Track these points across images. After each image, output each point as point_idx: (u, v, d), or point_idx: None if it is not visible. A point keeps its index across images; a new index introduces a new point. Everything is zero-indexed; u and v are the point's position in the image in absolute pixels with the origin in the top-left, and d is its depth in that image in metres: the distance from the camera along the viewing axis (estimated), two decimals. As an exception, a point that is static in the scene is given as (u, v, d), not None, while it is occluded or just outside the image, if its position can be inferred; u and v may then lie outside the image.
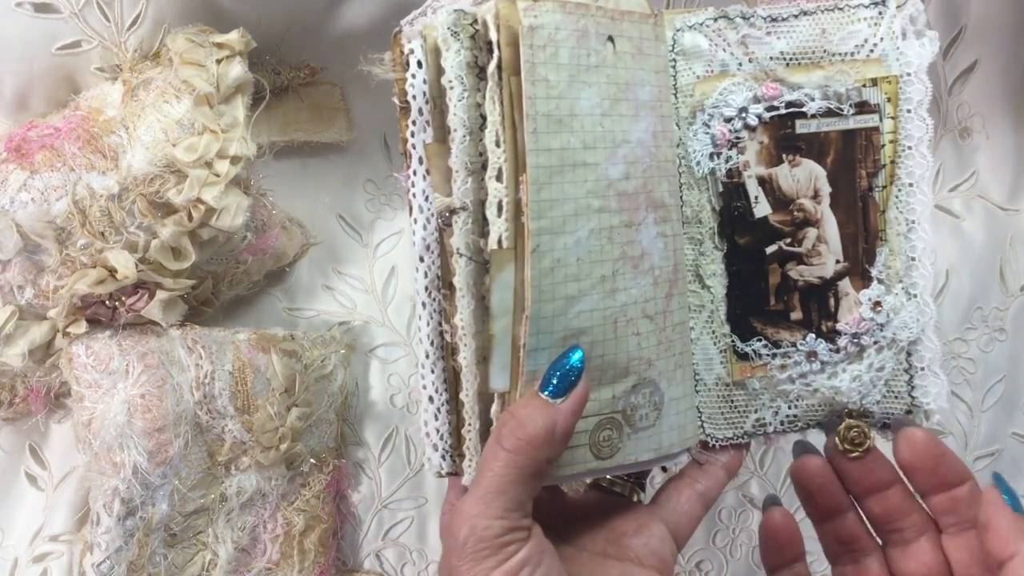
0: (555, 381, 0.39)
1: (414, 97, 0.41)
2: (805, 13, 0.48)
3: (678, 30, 0.48)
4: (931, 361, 0.47)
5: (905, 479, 0.45)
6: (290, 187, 0.67)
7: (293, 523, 0.60)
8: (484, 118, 0.40)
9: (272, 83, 0.62)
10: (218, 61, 0.54)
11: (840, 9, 0.48)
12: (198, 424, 0.55)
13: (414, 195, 0.42)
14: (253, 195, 0.56)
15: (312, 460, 0.61)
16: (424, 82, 0.41)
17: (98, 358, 0.53)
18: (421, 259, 0.42)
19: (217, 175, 0.53)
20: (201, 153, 0.52)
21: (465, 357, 0.41)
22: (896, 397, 0.48)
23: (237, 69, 0.54)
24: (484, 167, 0.40)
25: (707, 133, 0.48)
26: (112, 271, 0.52)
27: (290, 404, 0.59)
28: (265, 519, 0.59)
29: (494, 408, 0.41)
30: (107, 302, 0.54)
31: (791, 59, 0.48)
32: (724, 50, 0.48)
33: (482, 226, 0.41)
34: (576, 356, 0.40)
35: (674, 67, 0.48)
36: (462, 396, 0.42)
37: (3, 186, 0.52)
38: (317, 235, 0.68)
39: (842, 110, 0.47)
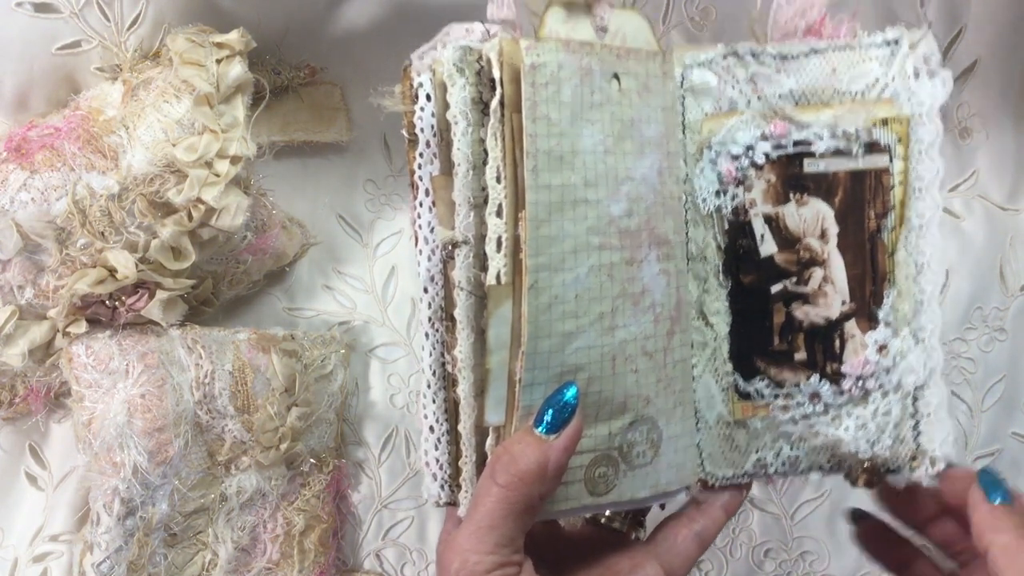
0: (549, 417, 0.40)
1: (422, 130, 0.42)
2: (816, 51, 0.47)
3: (687, 67, 0.47)
4: (938, 407, 0.46)
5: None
6: (290, 187, 0.67)
7: (293, 523, 0.60)
8: (487, 153, 0.40)
9: (272, 83, 0.62)
10: (218, 61, 0.54)
11: (851, 48, 0.47)
12: (198, 424, 0.55)
13: (420, 226, 0.42)
14: (253, 195, 0.56)
15: (312, 460, 0.61)
16: (432, 115, 0.42)
17: (98, 358, 0.53)
18: (425, 290, 0.43)
19: (217, 175, 0.53)
20: (201, 153, 0.52)
21: (463, 389, 0.41)
22: (902, 442, 0.47)
23: (237, 69, 0.54)
24: (486, 202, 0.40)
25: (714, 170, 0.47)
26: (112, 271, 0.52)
27: (290, 404, 0.59)
28: (265, 519, 0.59)
29: (489, 441, 0.42)
30: (107, 302, 0.54)
31: (800, 97, 0.47)
32: (733, 87, 0.47)
33: (483, 260, 0.41)
34: (571, 393, 0.40)
35: (683, 103, 0.47)
36: (460, 428, 0.42)
37: (3, 186, 0.52)
38: (317, 235, 0.68)
39: (851, 150, 0.46)
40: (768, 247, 0.47)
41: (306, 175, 0.69)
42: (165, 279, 0.54)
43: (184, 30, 0.56)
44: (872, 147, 0.46)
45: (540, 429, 0.39)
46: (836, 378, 0.47)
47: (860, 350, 0.47)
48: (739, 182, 0.47)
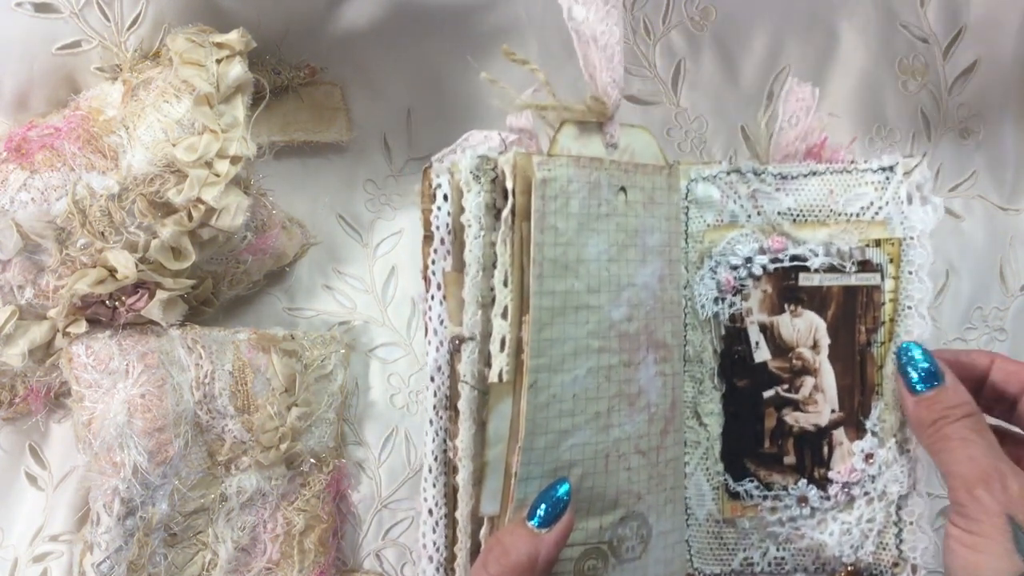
0: (542, 511, 0.41)
1: (438, 228, 0.44)
2: (815, 173, 0.50)
3: (692, 180, 0.50)
4: (919, 516, 0.49)
5: None
6: (290, 187, 0.67)
7: (293, 523, 0.60)
8: (497, 257, 0.42)
9: (272, 83, 0.62)
10: (218, 61, 0.54)
11: (848, 172, 0.49)
12: (198, 424, 0.55)
13: (430, 318, 0.44)
14: (253, 195, 0.56)
15: (312, 460, 0.61)
16: (448, 215, 0.44)
17: (98, 358, 0.53)
18: (432, 379, 0.44)
19: (217, 175, 0.53)
20: (201, 153, 0.52)
21: (463, 477, 0.43)
22: (885, 549, 0.49)
23: (237, 69, 0.54)
24: (493, 302, 0.42)
25: (713, 278, 0.50)
26: (112, 271, 0.52)
27: (290, 404, 0.59)
28: (265, 519, 0.59)
29: (484, 530, 0.43)
30: (107, 302, 0.54)
31: (798, 215, 0.50)
32: (735, 202, 0.50)
33: (488, 357, 0.43)
34: (564, 488, 0.42)
35: (686, 214, 0.50)
36: (457, 514, 0.44)
37: (3, 186, 0.52)
38: (317, 235, 0.68)
39: (844, 267, 0.49)
40: (762, 354, 0.50)
41: (306, 175, 0.69)
42: (165, 279, 0.54)
43: (184, 30, 0.56)
44: (864, 265, 0.49)
45: (533, 522, 0.41)
46: (823, 483, 0.49)
47: (847, 457, 0.49)
48: (737, 291, 0.50)
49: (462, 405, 0.43)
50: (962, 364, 0.46)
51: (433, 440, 0.44)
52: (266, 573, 0.59)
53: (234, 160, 0.53)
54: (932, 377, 0.44)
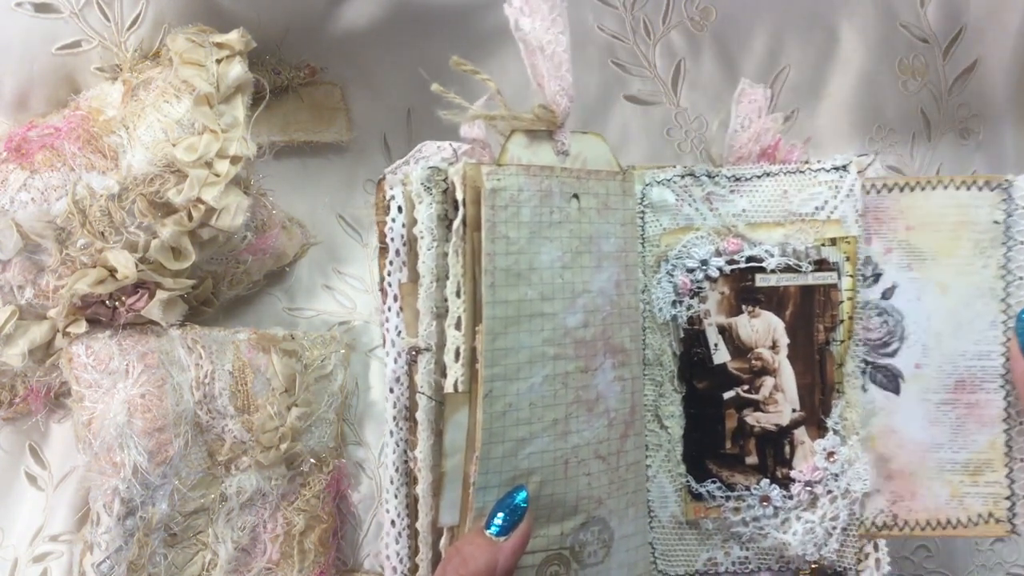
0: (500, 520, 0.41)
1: (392, 239, 0.44)
2: (768, 174, 0.50)
3: (647, 185, 0.50)
4: (880, 511, 0.50)
5: None
6: (290, 187, 0.67)
7: (293, 523, 0.60)
8: (449, 268, 0.43)
9: (272, 83, 0.62)
10: (218, 61, 0.54)
11: (802, 172, 0.50)
12: (198, 424, 0.55)
13: (387, 330, 0.45)
14: (253, 195, 0.56)
15: (312, 460, 0.61)
16: (403, 226, 0.44)
17: (98, 358, 0.53)
18: (391, 390, 0.45)
19: (217, 175, 0.53)
20: (201, 153, 0.52)
21: (422, 488, 0.43)
22: (848, 546, 0.49)
23: (237, 69, 0.54)
24: (447, 313, 0.43)
25: (670, 282, 0.50)
26: (112, 271, 0.52)
27: (290, 404, 0.59)
28: (265, 519, 0.59)
29: (444, 541, 0.43)
30: (107, 302, 0.54)
31: (753, 216, 0.50)
32: (690, 205, 0.50)
33: (444, 368, 0.43)
34: (521, 496, 0.42)
35: (642, 218, 0.50)
36: (418, 525, 0.44)
37: (3, 186, 0.52)
38: (317, 235, 0.68)
39: (801, 267, 0.49)
40: (721, 355, 0.50)
41: (306, 175, 0.69)
42: (165, 279, 0.54)
43: (184, 30, 0.56)
44: (821, 264, 0.49)
45: (491, 531, 0.41)
46: (785, 482, 0.49)
47: (809, 456, 0.49)
48: (694, 293, 0.50)
49: (420, 416, 0.43)
50: None
51: (394, 451, 0.45)
52: (266, 573, 0.59)
53: (234, 160, 0.53)
54: None
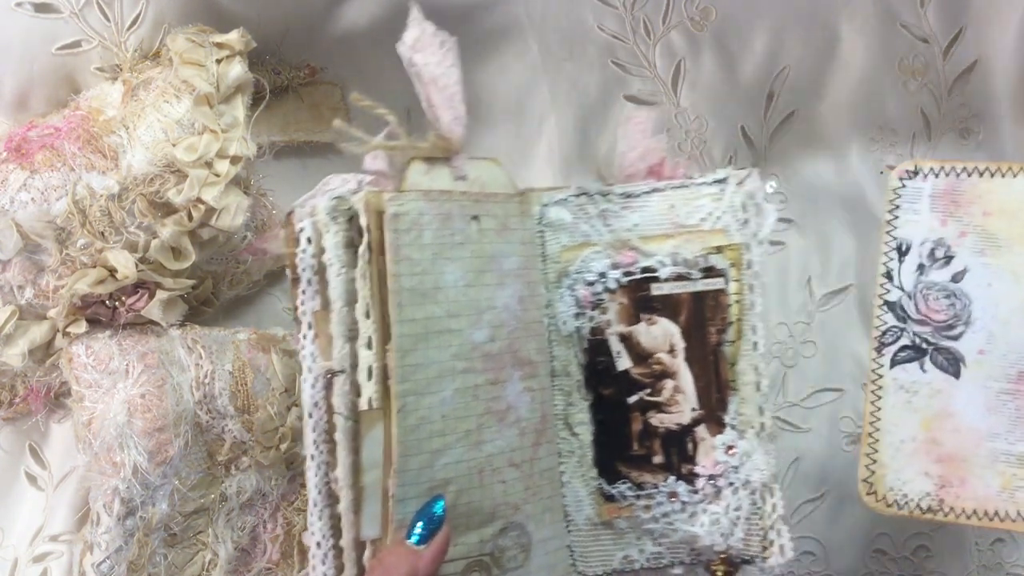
0: (419, 529, 0.43)
1: (303, 270, 0.46)
2: (656, 190, 0.54)
3: (544, 205, 0.53)
4: (783, 508, 0.52)
5: None
6: (290, 187, 0.67)
7: (293, 523, 0.60)
8: (358, 292, 0.44)
9: (272, 83, 0.62)
10: (218, 61, 0.54)
11: (687, 187, 0.54)
12: (198, 424, 0.55)
13: (303, 357, 0.46)
14: (253, 195, 0.56)
15: (312, 460, 0.61)
16: (312, 256, 0.46)
17: (98, 358, 0.53)
18: (310, 415, 0.46)
19: (217, 175, 0.53)
20: (201, 153, 0.52)
21: (343, 506, 0.44)
22: (753, 535, 0.52)
23: (237, 69, 0.54)
24: (359, 335, 0.44)
25: (572, 295, 0.52)
26: (112, 271, 0.52)
27: (290, 404, 0.59)
28: (265, 519, 0.59)
29: (367, 554, 0.44)
30: (107, 302, 0.54)
31: (645, 230, 0.53)
32: (586, 222, 0.54)
33: (358, 388, 0.45)
34: (439, 505, 0.44)
35: (542, 237, 0.53)
36: (342, 543, 0.45)
37: (3, 186, 0.52)
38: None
39: (691, 274, 0.52)
40: (624, 362, 0.53)
41: (306, 175, 0.68)
42: (165, 279, 0.54)
43: (184, 30, 0.56)
44: (709, 271, 0.52)
45: (412, 540, 0.43)
46: (691, 478, 0.52)
47: (710, 452, 0.52)
48: (595, 305, 0.53)
49: (338, 436, 0.44)
50: None
51: (315, 474, 0.46)
52: (266, 573, 0.59)
53: (234, 160, 0.53)
54: None
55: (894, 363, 0.50)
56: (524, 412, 0.49)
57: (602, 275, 0.53)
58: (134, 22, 0.57)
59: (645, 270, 0.53)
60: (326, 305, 0.45)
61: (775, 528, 0.52)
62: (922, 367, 0.50)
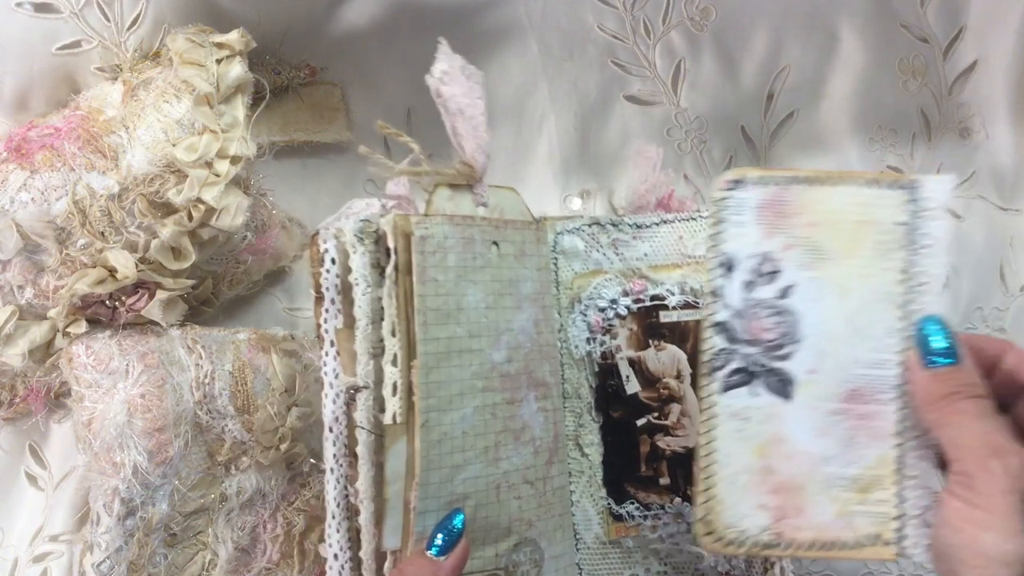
0: (439, 540, 0.44)
1: (327, 288, 0.48)
2: (665, 222, 0.56)
3: (559, 233, 0.55)
4: None
5: None
6: (290, 187, 0.67)
7: (293, 523, 0.60)
8: (384, 311, 0.46)
9: (272, 83, 0.62)
10: (218, 61, 0.54)
11: (694, 219, 0.56)
12: (198, 424, 0.55)
13: (325, 373, 0.47)
14: (253, 195, 0.56)
15: (312, 460, 0.61)
16: (336, 276, 0.48)
17: (98, 358, 0.53)
18: (330, 429, 0.47)
19: (217, 175, 0.53)
20: (201, 153, 0.52)
21: (364, 518, 0.46)
22: (756, 556, 0.51)
23: (237, 69, 0.54)
24: (384, 352, 0.46)
25: (584, 320, 0.54)
26: (112, 271, 0.52)
27: (290, 404, 0.59)
28: (265, 519, 0.59)
29: (387, 565, 0.46)
30: (107, 302, 0.54)
31: (654, 259, 0.55)
32: (597, 251, 0.55)
33: (382, 403, 0.46)
34: (458, 518, 0.45)
35: (555, 264, 0.55)
36: (361, 554, 0.46)
37: (3, 186, 0.52)
38: (317, 235, 0.68)
39: (698, 303, 0.54)
40: (633, 386, 0.54)
41: (306, 175, 0.69)
42: (165, 279, 0.54)
43: (184, 30, 0.56)
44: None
45: (432, 552, 0.43)
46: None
47: None
48: (606, 331, 0.54)
49: (360, 450, 0.46)
50: (974, 348, 0.44)
51: (335, 488, 0.47)
52: (266, 573, 0.59)
53: (234, 160, 0.53)
54: (950, 354, 0.43)
55: (726, 388, 0.46)
56: (538, 431, 0.50)
57: (613, 301, 0.54)
58: (134, 22, 0.57)
59: (654, 298, 0.54)
60: (349, 323, 0.47)
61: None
62: (754, 391, 0.46)
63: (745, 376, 0.46)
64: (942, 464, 0.43)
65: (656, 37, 0.67)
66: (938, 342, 0.43)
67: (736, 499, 0.46)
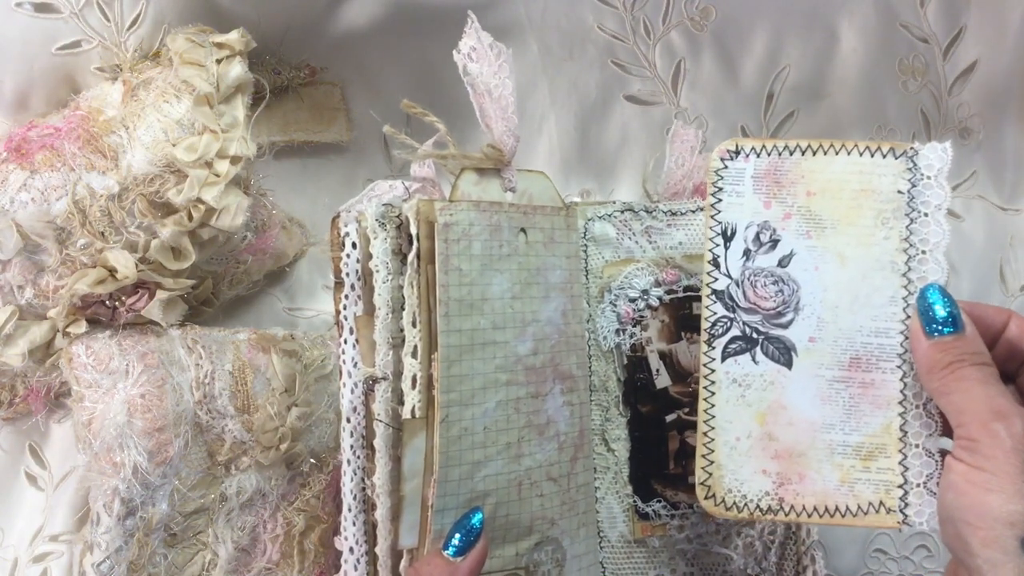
0: (456, 540, 0.42)
1: (347, 274, 0.46)
2: (701, 209, 0.52)
3: (589, 220, 0.53)
4: (817, 533, 0.51)
5: None
6: (290, 187, 0.67)
7: (293, 523, 0.60)
8: (405, 299, 0.44)
9: (272, 83, 0.62)
10: (218, 61, 0.54)
11: None
12: (198, 424, 0.55)
13: (344, 361, 0.46)
14: (253, 195, 0.56)
15: (312, 460, 0.61)
16: (357, 261, 0.46)
17: (98, 358, 0.53)
18: (348, 420, 0.46)
19: (217, 175, 0.53)
20: (201, 153, 0.52)
21: (381, 513, 0.45)
22: (787, 559, 0.51)
23: (237, 69, 0.54)
24: (404, 343, 0.44)
25: (613, 311, 0.52)
26: (112, 271, 0.52)
27: (290, 404, 0.59)
28: (265, 519, 0.59)
29: (403, 563, 0.44)
30: (107, 302, 0.54)
31: (689, 248, 0.53)
32: (630, 238, 0.53)
33: (401, 395, 0.44)
34: (477, 517, 0.43)
35: (585, 252, 0.53)
36: (377, 549, 0.45)
37: (3, 186, 0.52)
38: (317, 235, 0.68)
39: None
40: (663, 380, 0.52)
41: (306, 175, 0.69)
42: (165, 279, 0.54)
43: (184, 30, 0.56)
44: None
45: (449, 552, 0.42)
46: None
47: None
48: (636, 322, 0.52)
49: (378, 443, 0.44)
50: (977, 317, 0.44)
51: (352, 479, 0.46)
52: (266, 573, 0.59)
53: (234, 160, 0.53)
54: (954, 323, 0.42)
55: (725, 356, 0.46)
56: (563, 426, 0.49)
57: (645, 292, 0.52)
58: (134, 22, 0.57)
59: (688, 289, 0.52)
60: (370, 311, 0.45)
61: (809, 554, 0.50)
62: (754, 358, 0.47)
63: (745, 343, 0.46)
64: (946, 432, 0.43)
65: (656, 37, 0.67)
66: (941, 311, 0.43)
67: (737, 464, 0.46)
